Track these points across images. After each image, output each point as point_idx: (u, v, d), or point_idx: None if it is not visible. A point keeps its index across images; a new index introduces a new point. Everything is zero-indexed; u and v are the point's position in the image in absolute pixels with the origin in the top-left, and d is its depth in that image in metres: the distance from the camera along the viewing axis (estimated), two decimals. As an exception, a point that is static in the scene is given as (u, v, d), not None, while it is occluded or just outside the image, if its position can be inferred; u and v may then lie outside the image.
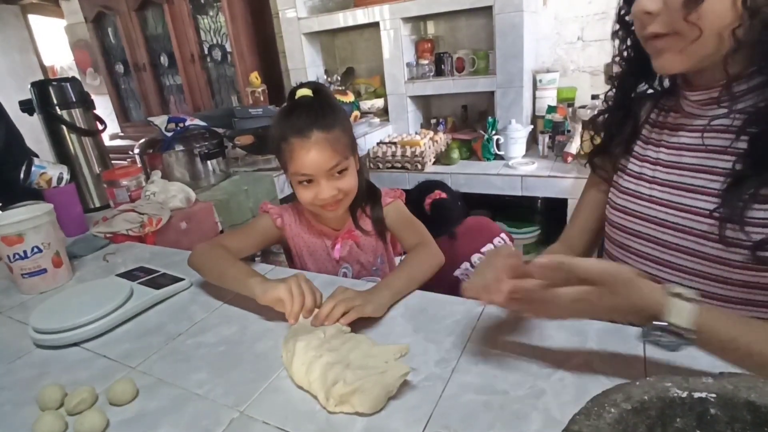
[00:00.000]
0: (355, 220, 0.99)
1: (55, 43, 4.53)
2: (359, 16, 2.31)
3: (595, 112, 0.80)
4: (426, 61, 2.31)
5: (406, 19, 2.26)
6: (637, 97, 0.75)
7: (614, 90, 0.76)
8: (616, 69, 0.75)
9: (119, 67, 3.46)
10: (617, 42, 0.72)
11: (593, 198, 0.84)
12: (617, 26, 0.71)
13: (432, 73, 2.31)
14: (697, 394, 0.31)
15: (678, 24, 0.57)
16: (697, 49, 0.58)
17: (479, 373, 0.57)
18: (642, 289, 0.49)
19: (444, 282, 0.91)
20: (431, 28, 2.46)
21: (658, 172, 0.70)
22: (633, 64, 0.71)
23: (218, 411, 0.56)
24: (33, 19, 4.59)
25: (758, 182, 0.57)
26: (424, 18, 2.39)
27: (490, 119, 2.07)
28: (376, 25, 2.31)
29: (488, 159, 2.10)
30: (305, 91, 0.90)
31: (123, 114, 3.67)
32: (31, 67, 4.46)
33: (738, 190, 0.58)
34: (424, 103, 2.54)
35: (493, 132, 2.06)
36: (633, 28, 0.67)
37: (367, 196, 0.98)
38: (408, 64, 2.32)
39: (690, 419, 0.31)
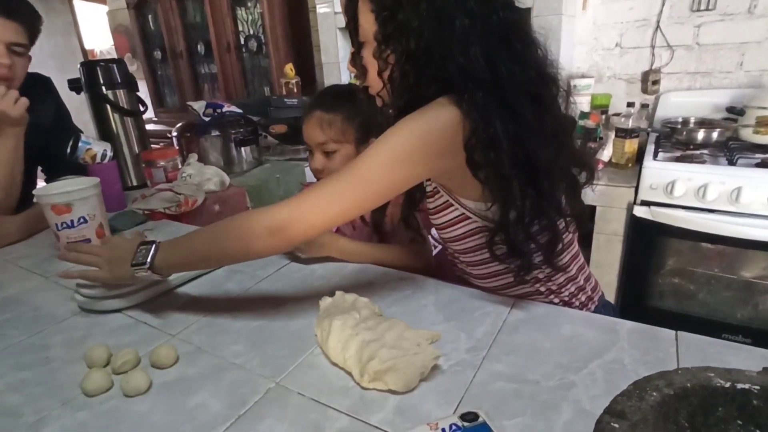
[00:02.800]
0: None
1: (96, 28, 4.67)
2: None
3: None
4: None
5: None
6: None
7: None
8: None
9: (157, 54, 3.55)
10: None
11: None
12: None
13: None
14: (740, 386, 0.32)
15: None
16: None
17: (510, 363, 0.58)
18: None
19: None
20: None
21: None
22: None
23: (255, 380, 0.58)
24: (77, 4, 4.74)
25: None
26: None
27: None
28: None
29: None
30: (355, 80, 1.03)
31: (158, 100, 3.76)
32: (73, 51, 4.62)
33: None
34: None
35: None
36: None
37: None
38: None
39: (731, 409, 0.32)
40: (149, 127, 3.60)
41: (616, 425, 0.29)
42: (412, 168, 0.64)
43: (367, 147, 0.97)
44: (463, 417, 0.44)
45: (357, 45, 0.71)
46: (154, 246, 0.70)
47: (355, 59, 0.72)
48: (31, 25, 1.09)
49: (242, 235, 0.66)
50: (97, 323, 0.74)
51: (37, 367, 0.64)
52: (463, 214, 0.72)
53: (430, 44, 0.62)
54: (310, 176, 1.75)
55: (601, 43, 2.18)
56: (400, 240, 0.95)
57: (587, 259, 0.88)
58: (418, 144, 0.62)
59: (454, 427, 0.43)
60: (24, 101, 1.05)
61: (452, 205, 0.73)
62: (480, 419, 0.44)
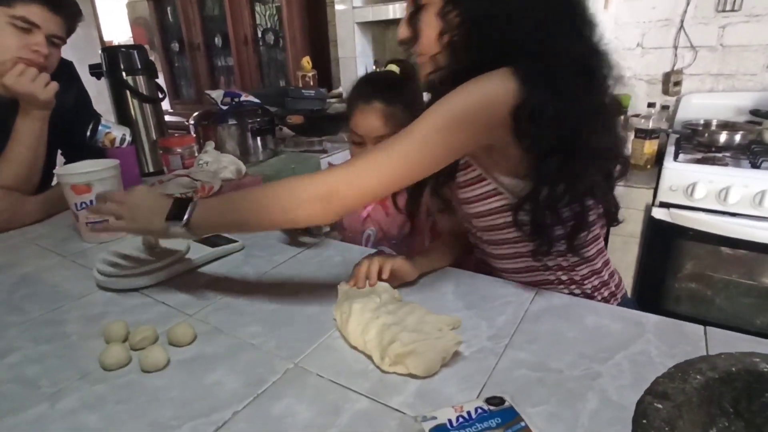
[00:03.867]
0: (395, 194, 1.01)
1: (115, 19, 4.71)
2: (414, 8, 2.32)
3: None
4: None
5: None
6: None
7: None
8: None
9: (174, 46, 3.57)
10: None
11: None
12: None
13: (482, 70, 2.30)
14: (788, 371, 0.31)
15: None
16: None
17: (532, 351, 0.57)
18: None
19: None
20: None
21: None
22: None
23: (272, 361, 0.58)
24: (97, -6, 4.78)
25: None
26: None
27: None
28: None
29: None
30: (393, 67, 1.01)
31: (174, 91, 3.79)
32: (91, 41, 4.66)
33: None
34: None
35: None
36: None
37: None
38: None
39: (779, 395, 0.31)
40: (165, 118, 3.64)
41: (660, 405, 0.28)
42: (468, 134, 0.62)
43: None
44: (489, 401, 0.43)
45: (415, 6, 0.69)
46: (192, 202, 0.67)
47: (411, 20, 0.69)
48: (72, 21, 1.12)
49: (287, 200, 0.63)
50: (115, 301, 0.74)
51: (55, 341, 0.64)
52: (495, 189, 0.71)
53: (497, 9, 0.61)
54: (324, 167, 1.75)
55: (622, 42, 2.15)
56: (436, 228, 0.95)
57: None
58: (476, 111, 0.61)
59: (479, 410, 0.42)
60: (54, 85, 1.07)
61: (485, 179, 0.71)
62: (506, 403, 0.43)
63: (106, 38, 4.80)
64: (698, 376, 0.30)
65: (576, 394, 0.49)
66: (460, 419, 0.41)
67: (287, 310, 0.70)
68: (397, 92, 0.97)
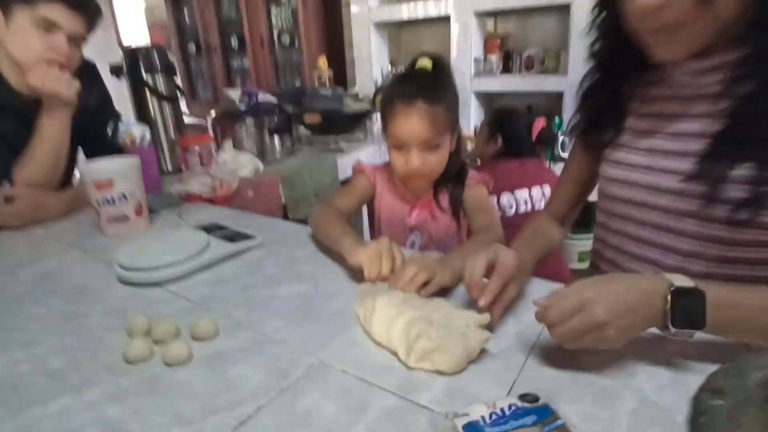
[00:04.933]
0: (436, 193, 1.00)
1: (133, 23, 4.79)
2: (431, 8, 2.31)
3: (581, 88, 0.79)
4: (494, 57, 2.28)
5: (478, 14, 2.24)
6: (621, 75, 0.74)
7: (597, 69, 0.76)
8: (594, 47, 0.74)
9: (191, 48, 3.62)
10: (597, 18, 0.71)
11: (576, 171, 0.87)
12: (597, 8, 0.70)
13: (499, 70, 2.28)
14: None
15: (687, 13, 0.55)
16: (701, 34, 0.58)
17: (562, 349, 0.55)
18: (643, 306, 0.50)
19: None
20: (501, 25, 2.42)
21: (656, 141, 0.70)
22: (618, 45, 0.69)
23: (296, 356, 0.57)
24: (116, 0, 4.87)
25: (740, 142, 0.59)
26: (496, 14, 2.35)
27: (557, 119, 2.01)
28: (445, 19, 2.30)
29: (549, 160, 2.04)
30: (425, 61, 0.92)
31: (190, 93, 3.83)
32: (110, 45, 4.74)
33: (721, 150, 0.60)
34: (487, 100, 2.50)
35: (559, 132, 2.01)
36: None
37: (455, 175, 0.99)
38: (476, 60, 2.29)
39: None
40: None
41: (720, 402, 0.26)
42: None
43: (455, 134, 0.94)
44: (522, 398, 0.42)
45: None
46: (699, 298, 0.49)
47: None
48: (93, 20, 1.13)
49: None
50: (137, 296, 0.74)
51: (79, 334, 0.64)
52: None
53: None
54: (342, 168, 1.74)
55: (643, 40, 2.11)
56: (476, 228, 0.92)
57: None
58: None
59: (513, 408, 0.40)
60: (76, 84, 1.08)
61: None
62: (541, 401, 0.41)
63: (125, 43, 4.90)
64: (758, 374, 0.28)
65: (611, 394, 0.47)
66: (494, 416, 0.40)
67: (309, 305, 0.69)
68: (441, 88, 0.90)
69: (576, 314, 0.48)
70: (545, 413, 0.40)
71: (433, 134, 0.89)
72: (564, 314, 0.49)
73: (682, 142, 0.66)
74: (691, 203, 0.64)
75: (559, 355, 0.54)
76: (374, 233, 1.08)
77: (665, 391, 0.47)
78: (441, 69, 0.93)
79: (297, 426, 0.46)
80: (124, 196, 0.97)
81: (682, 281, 0.50)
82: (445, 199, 0.99)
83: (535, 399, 0.41)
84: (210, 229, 0.94)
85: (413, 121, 0.88)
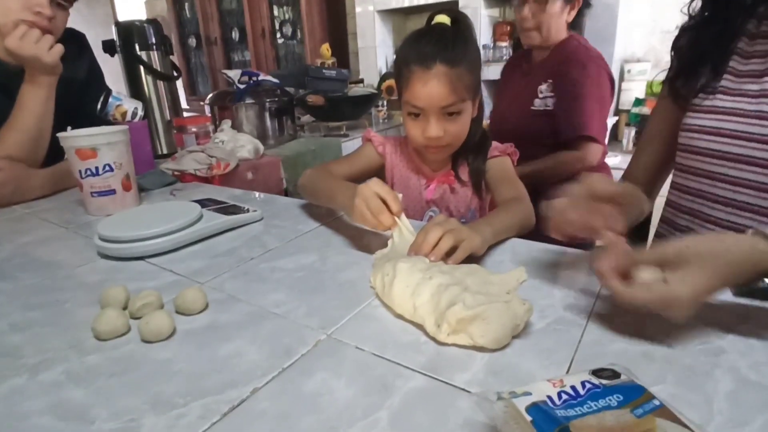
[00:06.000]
0: (456, 165, 0.89)
1: (133, 17, 4.73)
2: (438, -7, 2.23)
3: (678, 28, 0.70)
4: (504, 44, 2.19)
5: (487, 1, 2.16)
6: (730, 7, 0.64)
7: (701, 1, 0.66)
8: None
9: (192, 41, 3.54)
10: None
11: (663, 130, 0.75)
12: None
13: (509, 57, 2.19)
14: None
15: None
16: None
17: (627, 321, 0.45)
18: (730, 248, 0.42)
19: None
20: (510, 11, 2.34)
21: (766, 83, 0.60)
22: None
23: (301, 331, 0.47)
24: (116, -4, 4.81)
25: None
26: (504, 0, 2.27)
27: (571, 106, 1.92)
28: (453, 4, 2.21)
29: (565, 149, 1.94)
30: (443, 18, 0.83)
31: (190, 87, 3.75)
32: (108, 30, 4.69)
33: None
34: (496, 88, 2.41)
35: (573, 120, 1.91)
36: None
37: (476, 146, 0.89)
38: (485, 47, 2.20)
39: None
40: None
41: None
42: None
43: (478, 99, 0.85)
44: (598, 374, 0.32)
45: None
46: None
47: None
48: None
49: None
50: (117, 269, 0.65)
51: (46, 308, 0.54)
52: None
53: None
54: (347, 151, 1.65)
55: (660, 25, 2.03)
56: (502, 200, 0.82)
57: None
58: None
59: (588, 385, 0.31)
60: (59, 48, 0.99)
61: None
62: (623, 377, 0.32)
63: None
64: None
65: (699, 373, 0.38)
66: (564, 396, 0.30)
67: (316, 276, 0.59)
68: (460, 51, 0.79)
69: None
70: (635, 392, 0.30)
71: (454, 100, 0.78)
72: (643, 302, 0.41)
73: None
74: None
75: (623, 329, 0.44)
76: None
77: (765, 369, 0.38)
78: (462, 26, 0.83)
79: (303, 411, 0.36)
80: (110, 167, 0.87)
81: None
82: (465, 172, 0.89)
83: (615, 375, 0.32)
84: (205, 203, 0.85)
85: (432, 86, 0.77)
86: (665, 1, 1.97)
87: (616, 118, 2.00)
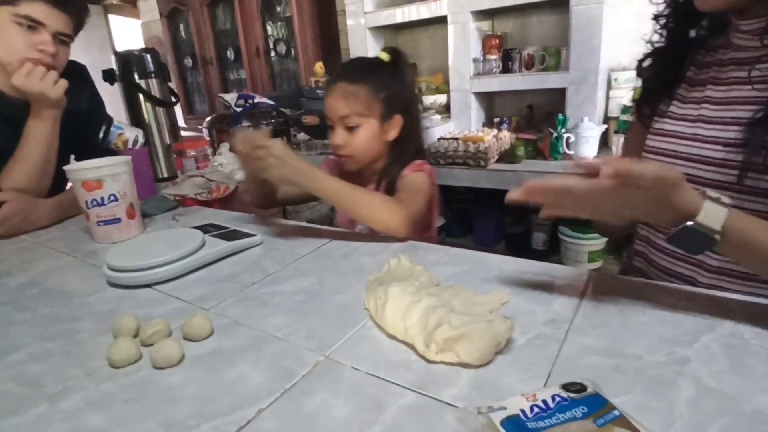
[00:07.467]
0: (379, 183, 1.00)
1: (129, 41, 4.81)
2: (427, 9, 2.28)
3: (641, 56, 0.79)
4: (493, 57, 2.24)
5: (476, 14, 2.21)
6: (684, 41, 0.72)
7: (660, 33, 0.74)
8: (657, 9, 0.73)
9: (187, 61, 3.61)
10: None
11: (638, 150, 0.81)
12: None
13: (499, 69, 2.24)
14: None
15: None
16: None
17: (601, 336, 0.49)
18: (683, 192, 0.49)
19: None
20: (499, 24, 2.40)
21: (703, 110, 0.67)
22: (679, 5, 0.69)
23: (301, 353, 0.51)
24: (112, 18, 4.90)
25: None
26: (493, 13, 2.33)
27: (560, 116, 1.97)
28: (442, 20, 2.27)
29: (556, 158, 1.99)
30: (381, 55, 0.99)
31: (187, 107, 3.81)
32: (108, 63, 4.76)
33: None
34: (487, 101, 2.46)
35: (563, 130, 1.96)
36: None
37: (398, 167, 0.98)
38: (474, 60, 2.26)
39: None
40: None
41: None
42: None
43: (391, 124, 0.97)
44: (566, 387, 0.36)
45: None
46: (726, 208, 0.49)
47: None
48: (79, 18, 1.10)
49: None
50: (127, 298, 0.69)
51: (62, 339, 0.58)
52: None
53: None
54: (342, 169, 1.69)
55: (644, 34, 2.08)
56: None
57: None
58: None
59: (557, 399, 0.34)
60: (63, 83, 1.04)
61: None
62: (589, 390, 0.35)
63: (121, 59, 4.91)
64: None
65: (664, 382, 0.41)
66: (535, 409, 0.34)
67: (314, 300, 0.63)
68: (365, 73, 0.94)
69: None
70: (598, 403, 0.34)
71: (349, 112, 0.93)
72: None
73: (731, 111, 0.63)
74: (731, 175, 0.61)
75: (597, 342, 0.48)
76: (337, 217, 1.14)
77: (725, 377, 0.41)
78: (393, 62, 0.98)
79: (304, 429, 0.40)
80: (115, 197, 0.91)
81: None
82: (385, 187, 0.99)
83: (583, 388, 0.36)
84: (206, 229, 0.89)
85: (332, 98, 0.94)
86: (648, 11, 2.02)
87: (605, 126, 2.05)
